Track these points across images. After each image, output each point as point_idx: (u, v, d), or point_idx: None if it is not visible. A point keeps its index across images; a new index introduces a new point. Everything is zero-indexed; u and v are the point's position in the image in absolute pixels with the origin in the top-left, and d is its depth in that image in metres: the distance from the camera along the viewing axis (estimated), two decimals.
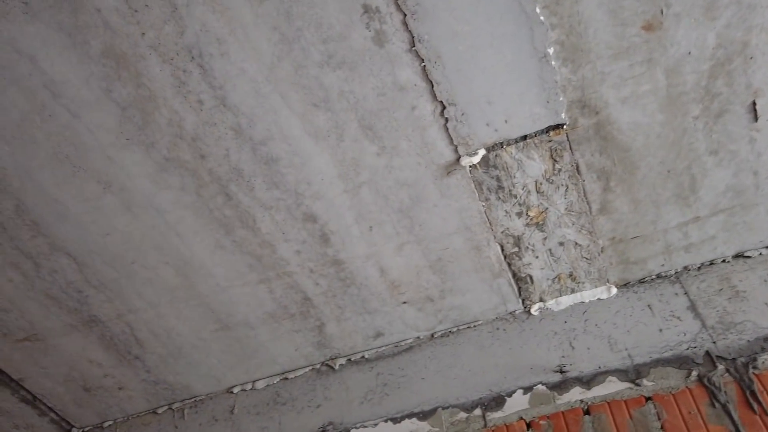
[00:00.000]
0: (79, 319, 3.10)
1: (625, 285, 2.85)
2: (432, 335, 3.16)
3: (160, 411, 3.55)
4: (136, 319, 3.11)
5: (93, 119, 2.32)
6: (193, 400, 3.50)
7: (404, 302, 3.05)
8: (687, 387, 2.41)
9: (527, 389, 2.70)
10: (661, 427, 2.34)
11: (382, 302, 3.04)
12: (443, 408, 2.81)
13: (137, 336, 3.19)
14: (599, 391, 2.56)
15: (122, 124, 2.33)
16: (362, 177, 2.52)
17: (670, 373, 2.48)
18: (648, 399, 2.45)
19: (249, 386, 3.41)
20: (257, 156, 2.44)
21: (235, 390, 3.42)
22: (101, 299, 3.01)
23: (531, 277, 2.85)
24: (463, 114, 2.31)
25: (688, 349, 2.52)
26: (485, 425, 2.65)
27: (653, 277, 2.80)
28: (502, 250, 2.76)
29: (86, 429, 3.70)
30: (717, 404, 2.31)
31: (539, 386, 2.69)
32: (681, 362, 2.49)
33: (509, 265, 2.83)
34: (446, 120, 2.33)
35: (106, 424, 3.65)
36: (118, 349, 3.25)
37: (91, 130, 2.35)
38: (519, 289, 2.94)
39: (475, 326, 3.07)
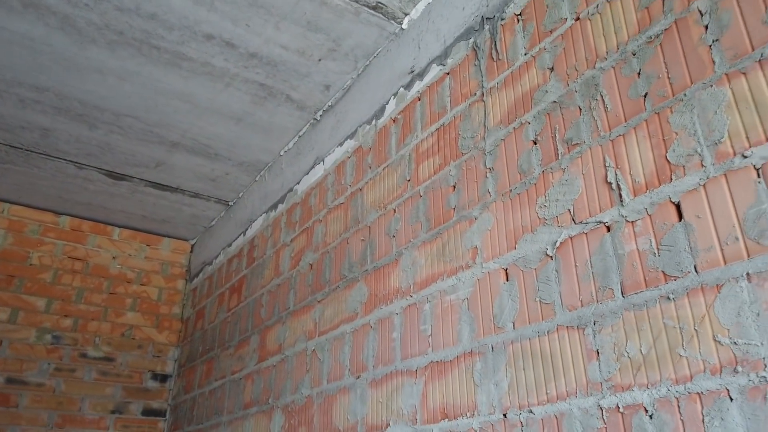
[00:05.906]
0: None
1: None
2: None
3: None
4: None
5: None
6: None
7: None
8: (467, 54, 2.78)
9: (395, 94, 3.36)
10: (449, 96, 2.84)
11: None
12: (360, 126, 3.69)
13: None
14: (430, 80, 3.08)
15: None
16: None
17: (461, 47, 2.85)
18: (448, 74, 2.91)
19: None
20: None
21: None
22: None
23: None
24: None
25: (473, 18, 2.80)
26: (377, 130, 3.47)
27: None
28: None
29: (233, 201, 5.65)
30: (476, 62, 2.67)
31: (401, 90, 3.32)
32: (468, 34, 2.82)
33: None
34: None
35: (231, 203, 5.52)
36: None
37: None
38: None
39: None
